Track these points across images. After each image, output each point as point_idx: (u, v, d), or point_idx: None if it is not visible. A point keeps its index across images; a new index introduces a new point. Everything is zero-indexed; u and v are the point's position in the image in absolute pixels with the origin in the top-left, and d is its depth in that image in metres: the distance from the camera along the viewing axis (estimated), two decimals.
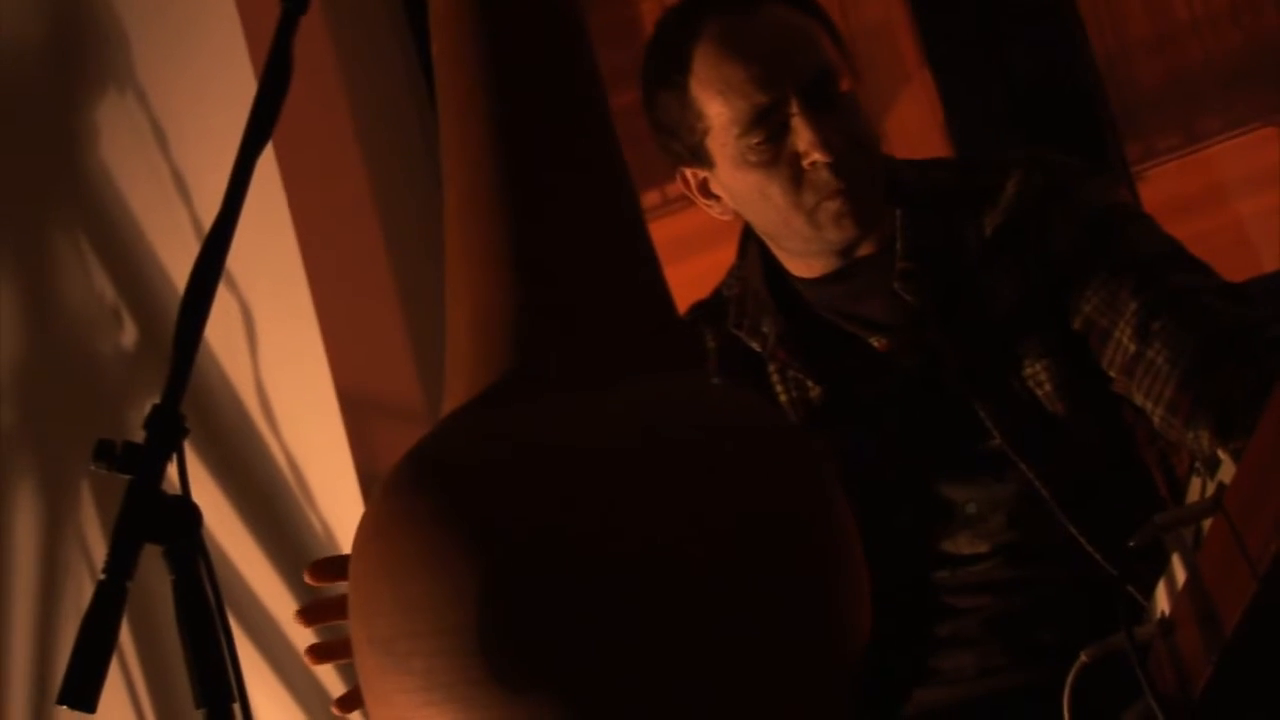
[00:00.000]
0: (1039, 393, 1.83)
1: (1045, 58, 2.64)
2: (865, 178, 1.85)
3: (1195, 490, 1.31)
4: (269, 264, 2.69)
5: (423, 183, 2.76)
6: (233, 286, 2.74)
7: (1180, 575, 1.32)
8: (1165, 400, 1.73)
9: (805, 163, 1.83)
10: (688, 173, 1.94)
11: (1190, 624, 1.27)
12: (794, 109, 1.82)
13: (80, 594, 2.93)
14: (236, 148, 1.47)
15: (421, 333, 2.70)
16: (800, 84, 1.83)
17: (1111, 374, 1.80)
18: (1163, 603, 1.37)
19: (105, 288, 2.90)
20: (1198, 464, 1.32)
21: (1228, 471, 1.23)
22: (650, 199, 3.15)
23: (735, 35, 1.84)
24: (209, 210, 2.62)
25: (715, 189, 1.93)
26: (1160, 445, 1.86)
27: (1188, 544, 1.31)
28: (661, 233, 1.62)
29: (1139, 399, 1.77)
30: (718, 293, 2.06)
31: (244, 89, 2.62)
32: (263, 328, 2.76)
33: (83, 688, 1.32)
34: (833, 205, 1.84)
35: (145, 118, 2.82)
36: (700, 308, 2.07)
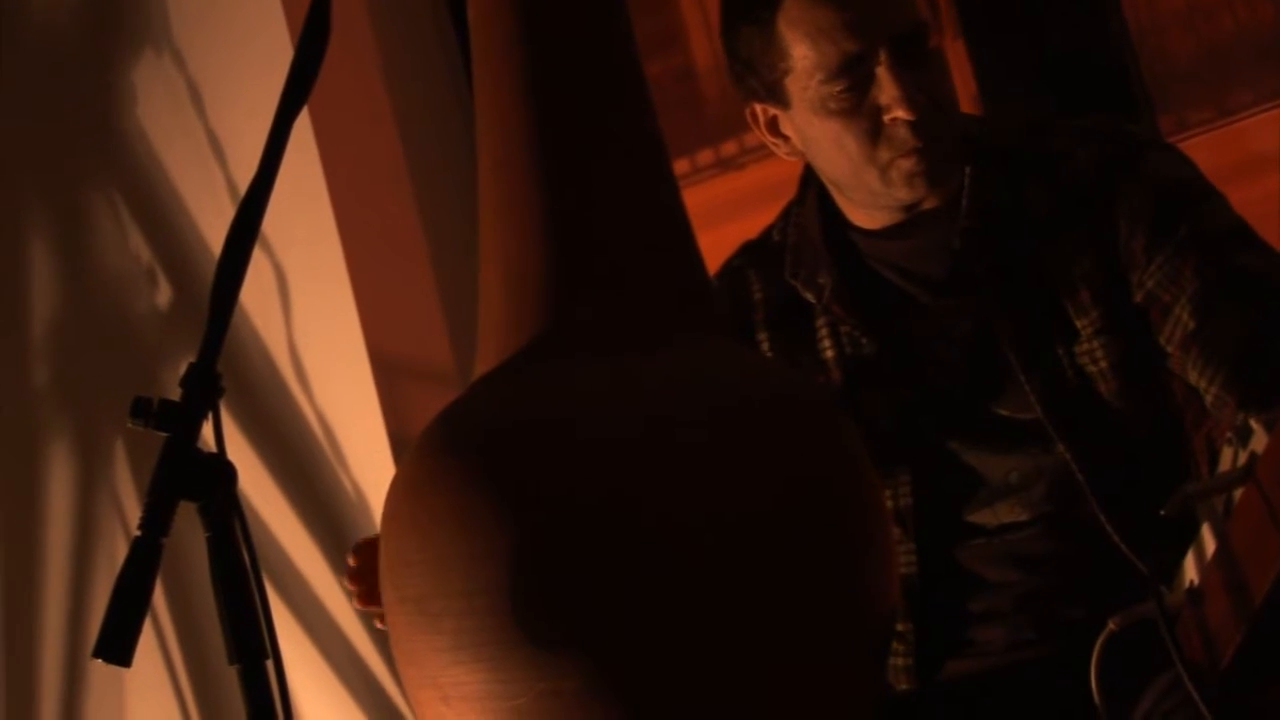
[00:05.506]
0: (1092, 369, 1.81)
1: (1078, 30, 2.63)
2: (943, 138, 1.82)
3: (1227, 460, 1.31)
4: (303, 226, 2.69)
5: (457, 146, 2.76)
6: (267, 248, 2.75)
7: (1210, 545, 1.32)
8: (1220, 380, 1.71)
9: (886, 118, 1.79)
10: (758, 108, 1.89)
11: (1220, 594, 1.27)
12: (882, 61, 1.78)
13: (115, 550, 2.95)
14: (272, 110, 1.47)
15: (454, 295, 2.70)
16: (892, 36, 1.78)
17: (1169, 350, 1.77)
18: (1192, 572, 1.37)
19: (141, 248, 2.92)
20: (1230, 434, 1.31)
21: (1260, 441, 1.24)
22: (681, 166, 3.15)
23: None
24: (244, 171, 2.63)
25: (785, 129, 1.89)
26: (1208, 430, 1.83)
27: (1218, 513, 1.31)
28: (692, 200, 1.61)
29: (1193, 377, 1.74)
30: (768, 234, 2.02)
31: (280, 51, 2.63)
32: (296, 289, 2.77)
33: (118, 642, 1.33)
34: (907, 163, 1.80)
35: (182, 79, 2.83)
36: (750, 251, 2.03)
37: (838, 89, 1.79)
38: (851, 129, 1.80)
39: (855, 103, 1.79)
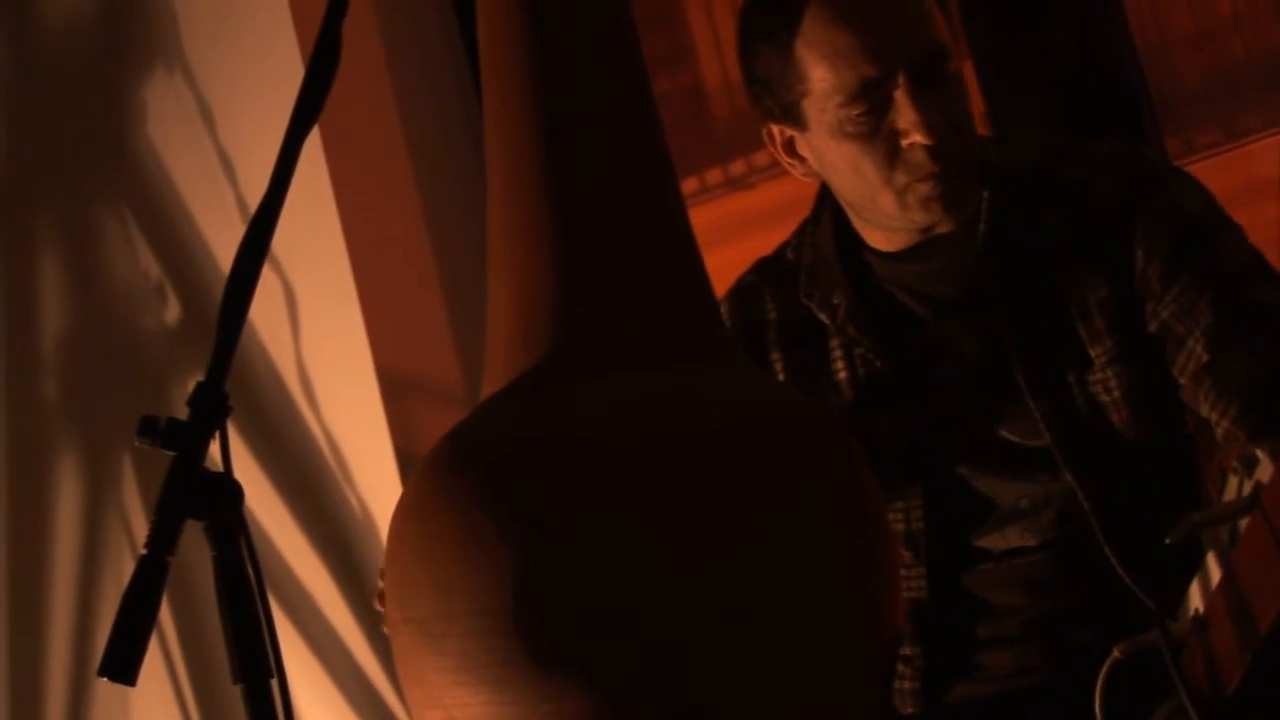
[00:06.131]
0: (1105, 398, 1.81)
1: (1086, 52, 2.63)
2: (961, 163, 1.81)
3: (1232, 489, 1.31)
4: (312, 244, 2.70)
5: (466, 165, 2.76)
6: (276, 266, 2.75)
7: (1215, 574, 1.32)
8: (1232, 413, 1.70)
9: (904, 142, 1.78)
10: (775, 129, 1.89)
11: (1225, 622, 1.27)
12: (900, 85, 1.77)
13: (121, 568, 2.95)
14: (282, 128, 1.47)
15: (462, 314, 2.70)
16: (911, 60, 1.77)
17: (1182, 381, 1.77)
18: (1197, 601, 1.37)
19: (150, 265, 2.92)
20: (1235, 463, 1.31)
21: (1265, 471, 1.24)
22: (690, 185, 3.15)
23: (851, 1, 1.79)
24: (254, 189, 2.64)
25: (802, 150, 1.88)
26: (1219, 460, 1.83)
27: (1224, 542, 1.31)
28: (701, 219, 1.61)
29: (1205, 409, 1.74)
30: (782, 252, 2.02)
31: (291, 69, 2.64)
32: (305, 307, 2.77)
33: (123, 660, 1.32)
34: (924, 188, 1.80)
35: (193, 97, 2.83)
36: (764, 269, 2.03)
37: (855, 112, 1.78)
38: (869, 152, 1.80)
39: (873, 126, 1.79)
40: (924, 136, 1.77)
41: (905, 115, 1.78)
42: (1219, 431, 1.72)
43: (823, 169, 1.88)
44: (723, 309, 2.01)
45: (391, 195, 2.72)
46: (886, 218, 1.85)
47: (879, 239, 1.90)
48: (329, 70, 1.48)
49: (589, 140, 1.49)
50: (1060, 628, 1.84)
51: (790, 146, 1.89)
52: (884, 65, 1.77)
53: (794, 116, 1.85)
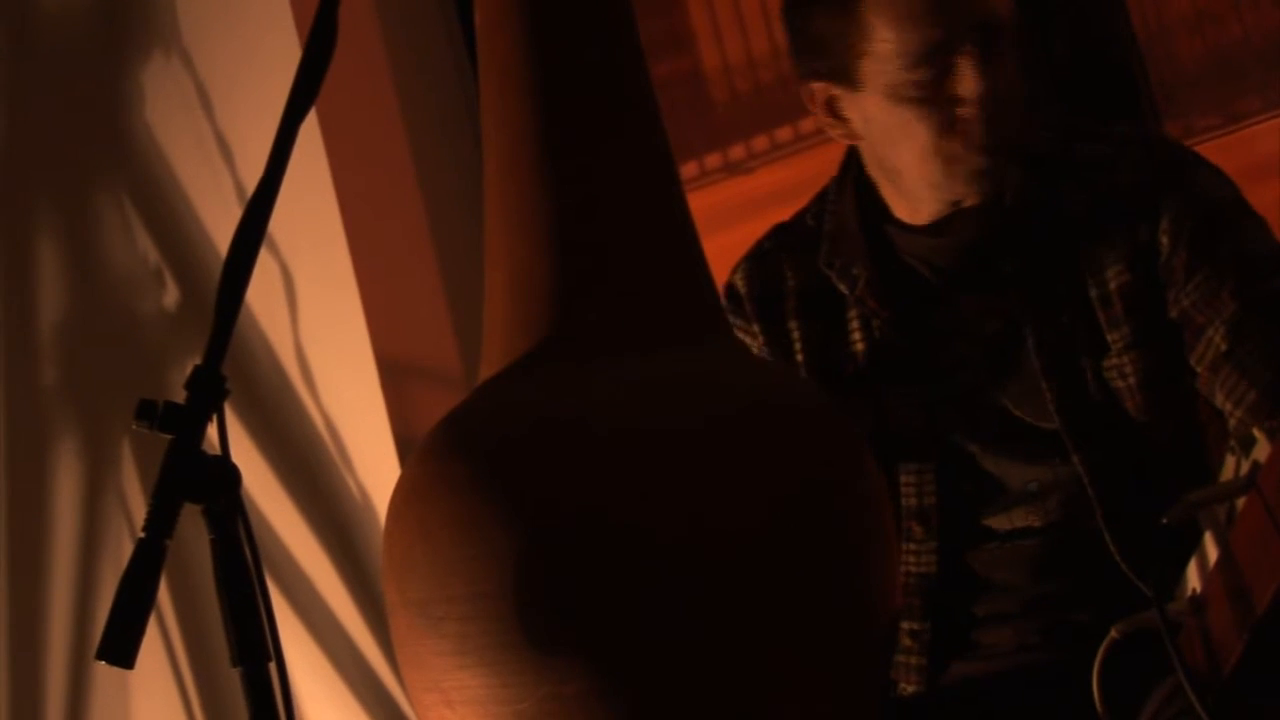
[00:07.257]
0: (1120, 384, 1.81)
1: (1086, 36, 2.63)
2: (1011, 137, 1.80)
3: (1230, 468, 1.31)
4: (310, 228, 2.70)
5: (464, 150, 2.76)
6: (274, 250, 2.75)
7: (1212, 553, 1.32)
8: (1247, 403, 1.70)
9: (960, 111, 1.77)
10: (816, 87, 1.86)
11: (1222, 601, 1.27)
12: (965, 52, 1.76)
13: (120, 551, 2.95)
14: (280, 112, 1.47)
15: (460, 298, 2.70)
16: (978, 27, 1.76)
17: (1198, 369, 1.77)
18: (1194, 580, 1.38)
19: (148, 249, 2.92)
20: (1233, 442, 1.31)
21: (1263, 450, 1.24)
22: (689, 170, 3.15)
23: None
24: (252, 173, 2.64)
25: (847, 111, 1.86)
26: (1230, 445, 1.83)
27: (1220, 522, 1.31)
28: (700, 203, 1.61)
29: (1219, 399, 1.74)
30: (801, 218, 2.01)
31: (288, 54, 2.63)
32: (303, 291, 2.77)
33: (121, 644, 1.32)
34: (975, 159, 1.79)
35: (190, 81, 2.83)
36: (784, 234, 2.02)
37: (916, 76, 1.76)
38: (925, 119, 1.78)
39: (932, 92, 1.77)
40: (982, 107, 1.76)
41: (966, 83, 1.76)
42: (1231, 422, 1.72)
43: (869, 130, 1.85)
44: (740, 274, 2.01)
45: (389, 179, 2.72)
46: (926, 186, 1.83)
47: (905, 210, 1.88)
48: (325, 53, 1.48)
49: (586, 125, 1.49)
50: (1061, 607, 1.85)
51: (832, 106, 1.86)
52: (950, 29, 1.76)
53: (846, 76, 1.82)
